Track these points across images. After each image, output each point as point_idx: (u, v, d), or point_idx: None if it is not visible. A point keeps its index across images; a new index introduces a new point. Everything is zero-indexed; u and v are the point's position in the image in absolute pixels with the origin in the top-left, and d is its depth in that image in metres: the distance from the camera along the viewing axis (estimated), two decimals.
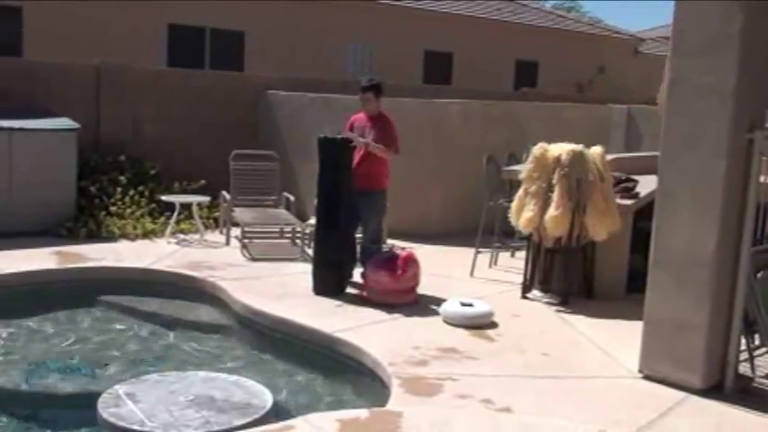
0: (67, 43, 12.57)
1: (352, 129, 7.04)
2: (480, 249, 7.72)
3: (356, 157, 6.87)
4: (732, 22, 4.61)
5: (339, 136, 6.80)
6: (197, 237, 8.81)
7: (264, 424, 4.26)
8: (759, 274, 4.99)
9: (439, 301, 6.38)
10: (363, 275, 6.71)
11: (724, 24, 4.64)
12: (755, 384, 5.00)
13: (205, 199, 9.13)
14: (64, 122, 8.94)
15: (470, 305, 6.16)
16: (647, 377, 5.05)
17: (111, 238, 8.50)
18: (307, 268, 7.02)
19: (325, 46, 16.00)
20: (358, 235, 7.25)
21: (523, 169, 6.85)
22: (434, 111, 9.51)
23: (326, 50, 15.90)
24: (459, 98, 10.37)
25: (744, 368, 5.02)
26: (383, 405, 4.57)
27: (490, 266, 7.94)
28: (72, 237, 8.36)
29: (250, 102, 10.89)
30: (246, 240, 8.43)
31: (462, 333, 5.85)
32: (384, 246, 7.86)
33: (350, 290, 6.78)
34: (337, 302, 6.47)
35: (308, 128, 9.95)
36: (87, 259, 7.54)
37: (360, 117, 7.12)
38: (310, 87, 10.85)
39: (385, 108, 7.14)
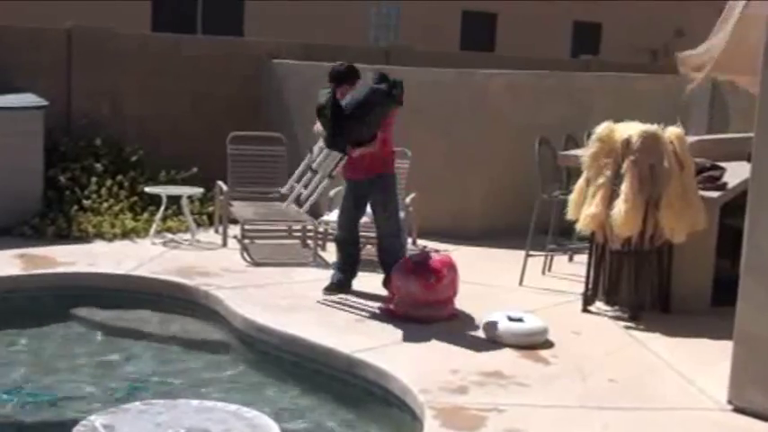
0: (34, 5, 12.64)
1: None
2: (531, 252, 7.68)
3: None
4: None
5: None
6: (187, 236, 8.85)
7: None
8: None
9: (481, 315, 6.36)
10: (388, 284, 6.70)
11: None
12: None
13: (197, 191, 9.16)
14: (28, 99, 9.01)
15: (520, 320, 6.14)
16: (737, 409, 5.01)
17: (84, 238, 8.55)
18: (320, 275, 7.01)
19: (342, 5, 15.99)
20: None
21: (585, 154, 6.82)
22: (475, 83, 9.46)
23: (344, 10, 15.89)
24: (504, 68, 10.33)
25: None
26: None
27: (543, 273, 7.91)
28: (38, 236, 8.43)
29: (252, 73, 10.90)
30: (247, 241, 8.45)
31: (510, 354, 5.84)
32: (414, 248, 7.83)
33: (373, 302, 6.78)
34: (358, 317, 6.47)
35: None
36: (56, 264, 7.60)
37: None
38: (325, 55, 10.82)
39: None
